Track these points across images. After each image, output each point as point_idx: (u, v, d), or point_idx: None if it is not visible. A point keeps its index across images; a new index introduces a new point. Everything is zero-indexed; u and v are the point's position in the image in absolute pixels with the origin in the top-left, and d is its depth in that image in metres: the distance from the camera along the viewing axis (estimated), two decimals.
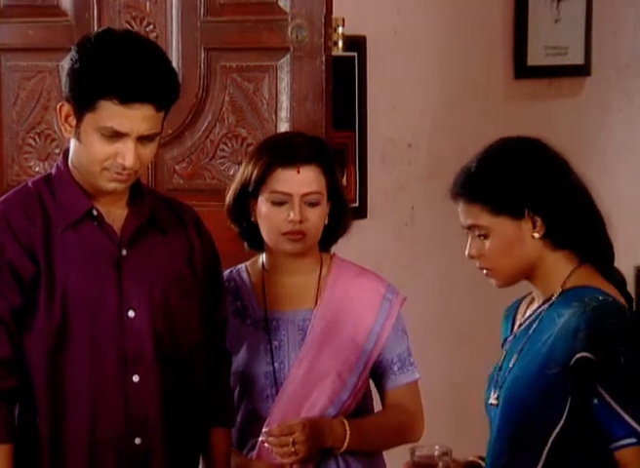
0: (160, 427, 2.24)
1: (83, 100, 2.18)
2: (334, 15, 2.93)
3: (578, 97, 3.85)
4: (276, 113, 3.02)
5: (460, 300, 3.57)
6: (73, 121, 2.21)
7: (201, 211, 3.14)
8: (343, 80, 3.26)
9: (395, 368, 2.48)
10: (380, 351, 2.46)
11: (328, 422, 2.40)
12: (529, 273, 2.14)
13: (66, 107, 2.22)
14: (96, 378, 2.21)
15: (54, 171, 2.30)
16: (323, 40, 2.93)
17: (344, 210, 2.50)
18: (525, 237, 2.12)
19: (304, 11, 2.96)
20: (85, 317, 2.21)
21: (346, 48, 2.98)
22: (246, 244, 2.55)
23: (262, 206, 2.43)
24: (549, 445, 2.04)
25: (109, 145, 2.18)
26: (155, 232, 2.29)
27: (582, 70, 3.88)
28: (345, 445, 2.40)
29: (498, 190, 2.12)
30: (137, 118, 2.16)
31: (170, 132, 3.11)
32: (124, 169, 2.19)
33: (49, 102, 3.21)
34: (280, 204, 2.41)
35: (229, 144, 3.09)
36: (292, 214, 2.39)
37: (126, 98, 2.15)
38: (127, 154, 2.17)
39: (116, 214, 2.27)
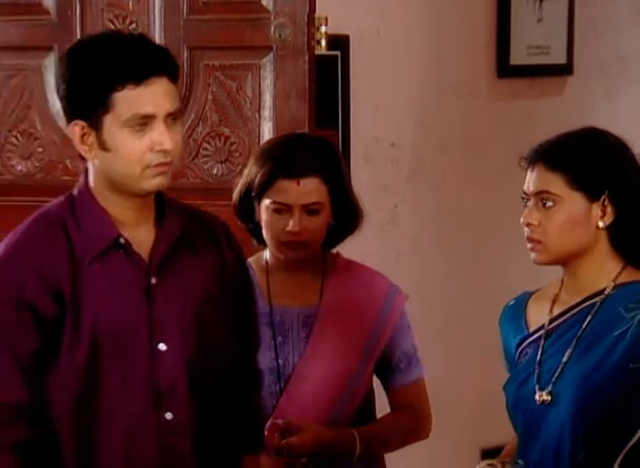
0: (194, 462, 2.10)
1: (95, 104, 2.02)
2: (317, 13, 2.91)
3: (560, 97, 3.86)
4: (259, 112, 3.00)
5: (442, 299, 3.54)
6: (90, 137, 2.05)
7: None
8: (327, 79, 3.24)
9: (402, 365, 2.45)
10: (385, 349, 2.44)
11: (336, 435, 2.38)
12: (574, 260, 2.12)
13: (78, 127, 2.05)
14: (128, 418, 2.05)
15: (76, 192, 2.12)
16: (306, 39, 2.92)
17: (350, 210, 2.45)
18: (591, 222, 2.10)
19: (287, 9, 2.96)
20: (115, 354, 2.04)
21: (329, 47, 2.98)
22: (254, 240, 2.52)
23: (264, 212, 2.41)
24: (637, 438, 2.04)
25: (141, 138, 2.02)
26: (185, 251, 2.12)
27: (565, 70, 3.88)
28: (356, 456, 2.38)
29: (585, 164, 2.10)
30: (157, 94, 2.02)
31: None
32: (166, 155, 2.03)
33: (31, 101, 3.17)
34: (280, 211, 2.38)
35: (212, 143, 3.09)
36: (290, 225, 2.37)
37: (140, 77, 2.00)
38: (162, 137, 2.02)
39: (143, 239, 2.09)
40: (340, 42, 3.33)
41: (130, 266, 2.07)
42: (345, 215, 2.44)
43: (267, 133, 2.97)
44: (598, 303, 2.11)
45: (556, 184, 2.09)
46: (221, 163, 3.06)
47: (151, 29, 3.07)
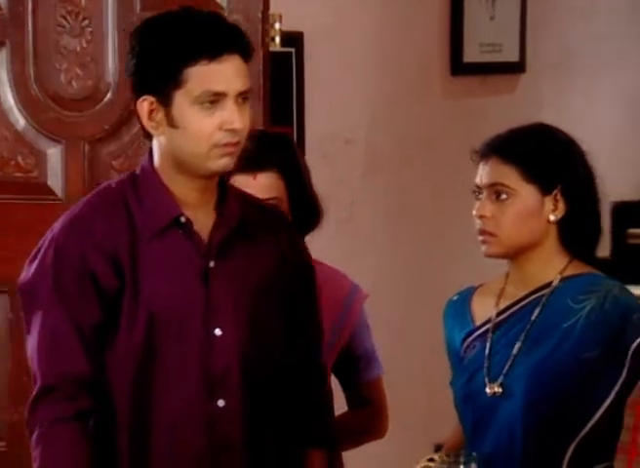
0: (243, 452, 2.07)
1: (167, 79, 1.98)
2: (271, 10, 2.92)
3: (512, 94, 3.91)
4: None
5: (399, 296, 3.56)
6: (158, 113, 2.00)
7: None
8: (281, 76, 3.25)
9: (361, 364, 2.45)
10: (345, 347, 2.43)
11: None
12: (524, 253, 2.13)
13: (147, 102, 2.00)
14: (181, 400, 2.03)
15: (138, 171, 2.09)
16: (260, 36, 2.91)
17: (308, 207, 2.42)
18: (542, 215, 2.12)
19: (241, 6, 2.96)
20: (171, 334, 2.02)
21: (284, 44, 2.98)
22: None
23: None
24: (588, 428, 2.05)
25: (211, 116, 1.98)
26: (244, 240, 2.08)
27: (517, 67, 3.92)
28: None
29: (539, 157, 2.12)
30: (230, 72, 1.98)
31: (106, 127, 3.09)
32: (234, 135, 1.99)
33: None
34: None
35: None
36: None
37: (214, 52, 1.97)
38: (232, 116, 1.98)
39: (203, 222, 2.06)
40: (294, 39, 3.34)
41: (188, 247, 2.04)
42: (304, 213, 2.42)
43: None
44: (546, 296, 2.13)
45: (510, 177, 2.10)
46: None
47: (104, 26, 3.07)
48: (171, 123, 2.00)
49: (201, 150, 1.99)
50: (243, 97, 2.01)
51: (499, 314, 2.17)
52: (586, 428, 2.04)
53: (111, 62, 3.07)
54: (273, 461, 2.11)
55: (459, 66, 3.69)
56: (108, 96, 3.08)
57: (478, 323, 2.19)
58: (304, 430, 2.16)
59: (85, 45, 3.09)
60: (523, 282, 2.15)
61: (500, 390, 2.10)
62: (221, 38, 1.98)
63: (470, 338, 2.19)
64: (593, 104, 4.26)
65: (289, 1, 3.10)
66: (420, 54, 3.66)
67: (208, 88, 1.97)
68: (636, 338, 2.01)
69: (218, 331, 2.03)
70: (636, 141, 4.54)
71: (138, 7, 3.07)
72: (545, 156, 2.12)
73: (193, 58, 1.97)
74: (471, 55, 3.71)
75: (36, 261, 2.05)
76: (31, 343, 2.05)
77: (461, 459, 2.03)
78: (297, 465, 2.15)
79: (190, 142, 2.00)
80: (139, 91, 2.02)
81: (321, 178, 3.38)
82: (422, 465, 2.15)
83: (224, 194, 2.08)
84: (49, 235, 2.07)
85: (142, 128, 2.06)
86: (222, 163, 2.01)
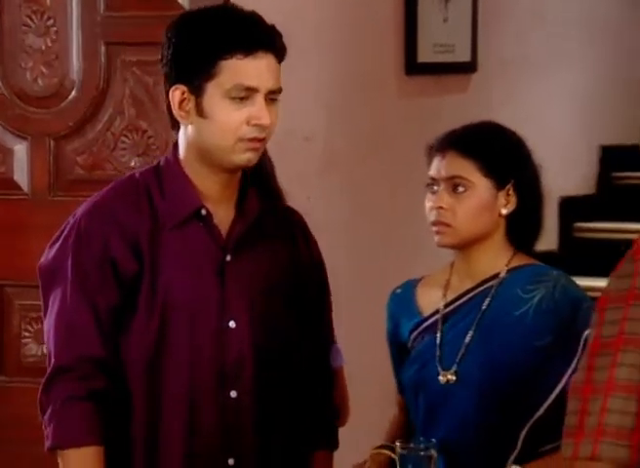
0: (254, 449, 2.07)
1: (201, 69, 1.99)
2: None
3: (464, 93, 3.89)
4: None
5: (354, 290, 3.60)
6: (189, 103, 2.01)
7: None
8: None
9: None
10: None
11: None
12: (474, 245, 2.17)
13: (179, 91, 2.01)
14: (193, 390, 2.04)
15: (162, 162, 2.11)
16: None
17: (272, 200, 2.38)
18: (495, 209, 2.16)
19: (202, 6, 2.96)
20: (185, 323, 2.03)
21: None
22: None
23: None
24: (542, 411, 2.08)
25: (240, 110, 1.99)
26: (261, 237, 2.09)
27: (468, 67, 3.91)
28: None
29: (496, 152, 2.17)
30: (263, 69, 1.99)
31: (70, 124, 3.13)
32: (261, 131, 2.00)
33: None
34: None
35: (130, 137, 3.13)
36: None
37: (250, 48, 1.97)
38: (261, 112, 1.99)
39: (223, 216, 2.07)
40: None
41: (207, 239, 2.05)
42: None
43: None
44: (495, 287, 2.17)
45: (469, 170, 2.14)
46: (139, 155, 3.10)
47: (69, 25, 3.11)
48: (200, 113, 2.00)
49: (227, 143, 2.00)
50: (273, 96, 2.02)
51: (447, 305, 2.20)
52: (540, 411, 2.08)
53: (75, 61, 3.12)
54: (281, 462, 2.12)
55: (413, 66, 3.70)
56: (73, 93, 3.13)
57: (426, 314, 2.22)
58: (312, 431, 2.17)
59: (50, 44, 3.13)
60: (470, 273, 2.20)
61: (455, 378, 2.14)
62: (258, 35, 1.99)
63: (419, 329, 2.22)
64: (542, 103, 4.25)
65: (247, 2, 3.13)
66: (375, 54, 3.65)
67: (240, 82, 1.98)
68: (587, 326, 2.07)
69: (232, 324, 2.04)
70: (583, 139, 4.58)
71: (101, 7, 3.11)
72: (501, 152, 2.17)
73: (229, 50, 1.97)
74: (425, 55, 3.70)
75: (57, 244, 2.06)
76: (48, 323, 2.06)
77: (421, 445, 2.06)
78: (303, 465, 2.16)
79: (217, 134, 2.00)
80: (172, 80, 2.03)
81: (279, 175, 3.44)
82: (375, 452, 2.20)
83: (245, 191, 2.09)
84: (71, 219, 2.08)
85: (171, 117, 2.06)
86: (246, 157, 2.01)
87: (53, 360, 2.04)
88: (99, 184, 3.06)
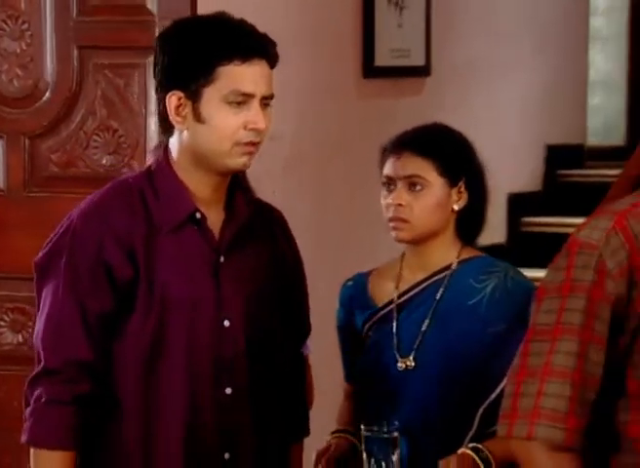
0: (249, 443, 2.04)
1: (198, 75, 1.95)
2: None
3: (418, 96, 3.91)
4: (146, 107, 3.04)
5: (316, 282, 3.62)
6: (185, 108, 1.97)
7: (77, 197, 3.13)
8: None
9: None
10: None
11: None
12: (428, 239, 2.21)
13: (175, 97, 1.97)
14: (191, 389, 2.00)
15: (154, 166, 2.05)
16: None
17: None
18: (448, 205, 2.21)
19: (171, 12, 2.97)
20: (182, 324, 1.99)
21: None
22: None
23: None
24: (497, 393, 2.09)
25: (236, 114, 1.96)
26: (249, 238, 2.06)
27: (423, 71, 3.94)
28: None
29: (450, 153, 2.21)
30: (258, 75, 1.97)
31: (45, 124, 3.11)
32: (257, 135, 1.98)
33: None
34: None
35: (102, 136, 3.10)
36: None
37: (247, 54, 1.95)
38: (257, 117, 1.97)
39: (213, 218, 2.03)
40: None
41: (201, 242, 2.01)
42: None
43: (153, 126, 2.99)
44: (447, 277, 2.20)
45: (425, 169, 2.18)
46: (110, 154, 3.09)
47: (42, 29, 3.08)
48: (197, 118, 1.97)
49: (223, 147, 1.97)
50: (266, 101, 2.00)
51: (401, 295, 2.23)
52: (495, 393, 2.10)
53: (49, 63, 3.07)
54: (273, 452, 2.10)
55: (370, 70, 3.72)
56: (47, 94, 3.09)
57: (379, 305, 2.25)
58: (290, 422, 2.16)
59: (25, 47, 3.10)
60: (422, 266, 2.23)
61: (413, 364, 2.17)
62: (254, 42, 1.98)
63: (373, 319, 2.25)
64: (491, 105, 4.28)
65: (214, 6, 3.14)
66: (335, 58, 3.66)
67: (237, 87, 1.96)
68: None
69: (226, 323, 2.02)
70: (530, 139, 4.61)
71: (74, 12, 3.04)
72: (454, 153, 2.22)
73: (227, 57, 1.95)
74: (382, 59, 3.71)
75: (52, 242, 2.03)
76: (39, 323, 2.02)
77: (384, 428, 2.08)
78: (284, 457, 2.15)
79: (214, 138, 1.97)
80: (167, 86, 1.99)
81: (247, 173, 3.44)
82: (336, 436, 2.22)
83: (233, 193, 2.07)
84: (66, 221, 2.04)
85: (164, 123, 2.03)
86: (242, 161, 1.99)
87: (42, 360, 2.00)
88: (72, 181, 3.12)
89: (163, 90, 2.01)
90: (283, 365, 2.13)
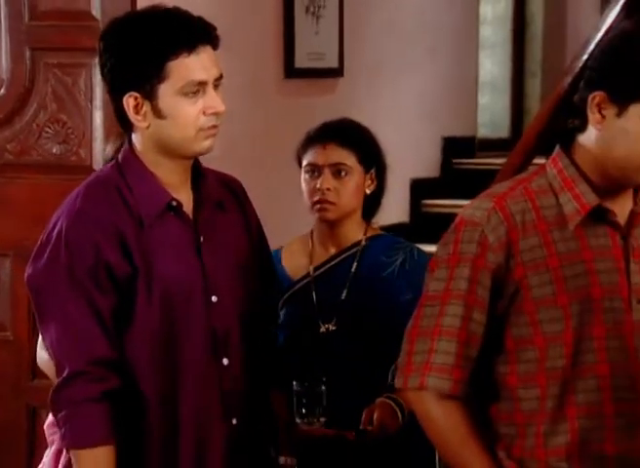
0: (250, 407, 1.97)
1: (150, 75, 1.85)
2: None
3: (333, 95, 3.99)
4: (91, 102, 3.09)
5: None
6: (144, 107, 1.88)
7: (30, 183, 3.17)
8: None
9: None
10: None
11: None
12: (344, 219, 2.29)
13: (132, 98, 1.87)
14: (196, 366, 1.92)
15: (120, 159, 1.95)
16: None
17: None
18: (363, 189, 2.31)
19: (111, 12, 2.98)
20: (182, 306, 1.91)
21: None
22: None
23: None
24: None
25: (194, 103, 1.87)
26: (221, 212, 1.99)
27: (337, 72, 4.03)
28: None
29: (367, 145, 2.33)
30: (206, 61, 1.87)
31: (1, 117, 3.15)
32: (217, 118, 1.90)
33: None
34: None
35: (52, 127, 3.16)
36: None
37: (191, 44, 1.85)
38: (214, 101, 1.88)
39: (184, 200, 1.95)
40: None
41: (182, 226, 1.94)
42: None
43: (98, 118, 3.08)
44: (359, 252, 2.29)
45: (349, 158, 2.29)
46: (59, 143, 3.14)
47: None
48: (158, 115, 1.89)
49: (189, 135, 1.89)
50: (217, 82, 1.92)
51: (317, 269, 2.30)
52: None
53: (4, 63, 3.11)
54: (268, 413, 2.05)
55: (291, 71, 3.80)
56: (2, 90, 3.13)
57: (296, 278, 2.31)
58: (272, 373, 2.10)
59: None
60: (334, 242, 2.31)
61: (335, 327, 2.24)
62: (195, 31, 1.88)
63: (291, 292, 2.31)
64: (395, 101, 4.35)
65: (139, 5, 3.10)
66: (260, 60, 3.71)
67: (191, 78, 1.87)
68: None
69: (214, 299, 1.94)
70: (429, 132, 4.68)
71: (26, 17, 3.10)
72: (370, 145, 2.35)
73: (174, 51, 1.85)
74: (301, 61, 3.79)
75: (45, 257, 1.90)
76: (51, 335, 1.91)
77: (312, 382, 2.14)
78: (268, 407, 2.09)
79: (178, 129, 1.89)
80: (121, 88, 1.89)
81: None
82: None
83: (198, 173, 2.00)
84: (53, 231, 1.91)
85: (122, 121, 1.93)
86: (206, 144, 1.92)
87: (66, 367, 1.89)
88: (25, 168, 3.15)
89: (117, 91, 1.92)
90: (266, 329, 2.09)
